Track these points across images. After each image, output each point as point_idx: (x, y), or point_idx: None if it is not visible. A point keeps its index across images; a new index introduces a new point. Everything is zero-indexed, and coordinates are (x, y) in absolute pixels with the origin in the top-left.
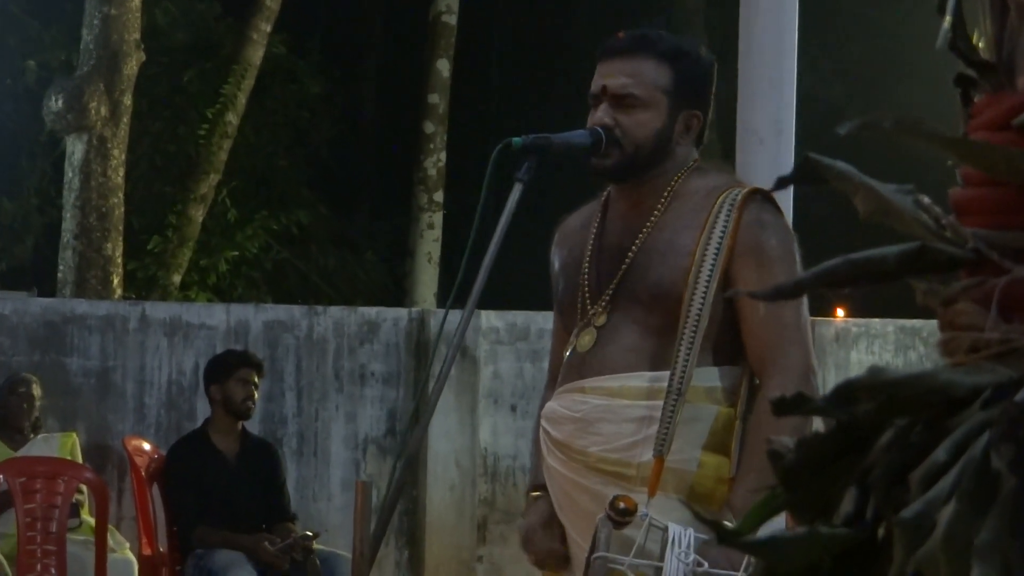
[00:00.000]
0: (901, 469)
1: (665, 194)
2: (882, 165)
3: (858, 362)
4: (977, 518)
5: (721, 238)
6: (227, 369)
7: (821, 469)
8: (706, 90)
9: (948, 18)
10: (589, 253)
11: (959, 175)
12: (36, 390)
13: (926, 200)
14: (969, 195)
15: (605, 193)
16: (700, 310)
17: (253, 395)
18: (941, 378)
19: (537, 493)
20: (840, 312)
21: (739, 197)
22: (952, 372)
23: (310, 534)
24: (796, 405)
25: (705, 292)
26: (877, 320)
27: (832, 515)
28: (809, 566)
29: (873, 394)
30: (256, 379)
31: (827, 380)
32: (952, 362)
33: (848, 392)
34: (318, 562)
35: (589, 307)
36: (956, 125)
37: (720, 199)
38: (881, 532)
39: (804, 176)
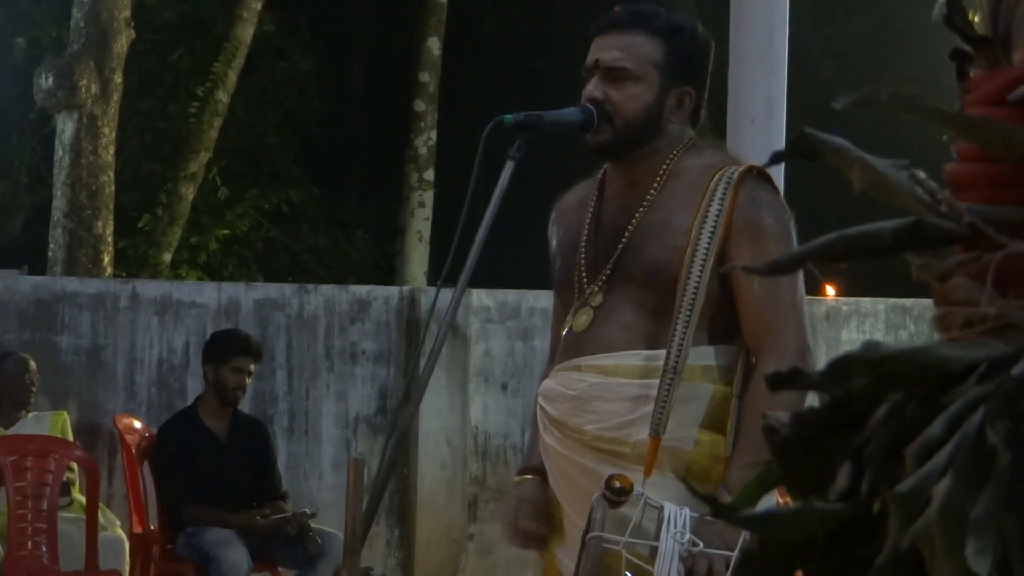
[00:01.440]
0: (896, 444)
1: (660, 173)
2: (875, 146)
3: (849, 340)
4: (972, 492)
5: (717, 216)
6: (224, 354)
7: (816, 444)
8: (700, 67)
9: None
10: (586, 232)
11: (954, 150)
12: (35, 370)
13: (922, 175)
14: (965, 170)
15: (602, 171)
16: (696, 289)
17: (244, 384)
18: (936, 353)
19: (522, 477)
20: (830, 290)
21: (735, 175)
22: (948, 347)
23: (308, 512)
24: (791, 380)
25: (701, 271)
26: (868, 299)
27: (827, 490)
28: (804, 540)
29: (868, 369)
30: (252, 367)
31: (818, 359)
32: (948, 337)
33: (843, 367)
34: (319, 539)
35: (586, 286)
36: (949, 103)
37: (716, 177)
38: (876, 507)
39: (800, 151)
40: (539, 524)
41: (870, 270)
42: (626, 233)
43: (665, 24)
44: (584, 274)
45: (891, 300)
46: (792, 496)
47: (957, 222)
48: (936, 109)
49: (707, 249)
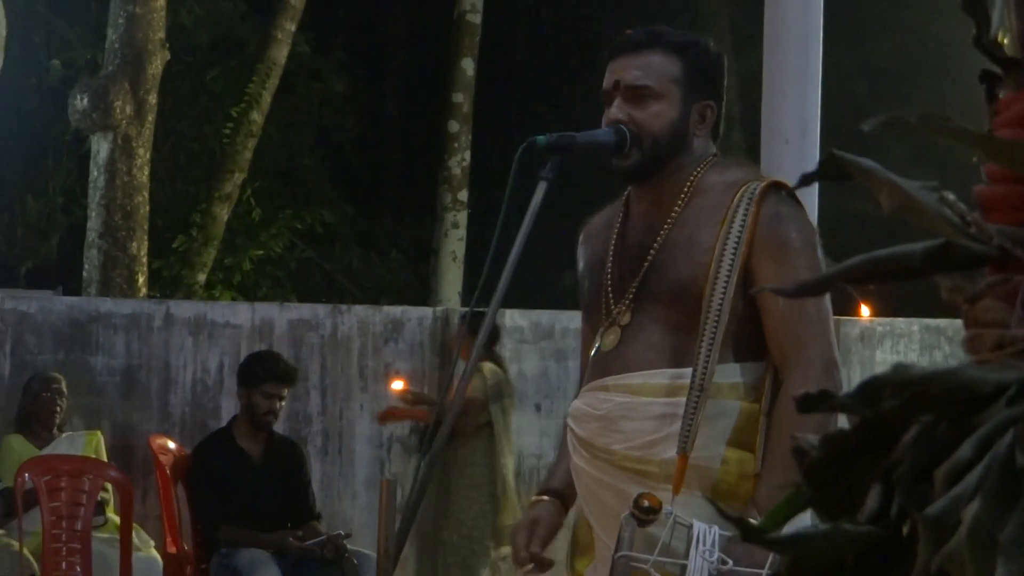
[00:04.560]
0: (926, 466)
1: (685, 190)
2: (911, 165)
3: (883, 361)
4: (1002, 515)
5: (740, 233)
6: (256, 379)
7: (845, 466)
8: (717, 80)
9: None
10: (612, 252)
11: (983, 172)
12: (64, 388)
13: (951, 197)
14: (994, 192)
15: (627, 191)
16: (720, 306)
17: (276, 409)
18: (966, 375)
19: (538, 498)
20: (865, 311)
21: (757, 191)
22: (977, 369)
23: (343, 533)
24: (820, 401)
25: (725, 288)
26: (902, 319)
27: (856, 512)
28: (833, 563)
29: (898, 391)
30: (284, 392)
31: (852, 379)
32: (977, 359)
33: (873, 389)
34: (355, 560)
35: (613, 306)
36: (982, 122)
37: (739, 193)
38: (906, 529)
39: (829, 172)
40: (544, 549)
41: (904, 291)
42: (651, 252)
43: (679, 41)
44: (611, 294)
45: (925, 321)
46: (821, 518)
47: (987, 244)
48: (965, 130)
49: (731, 265)
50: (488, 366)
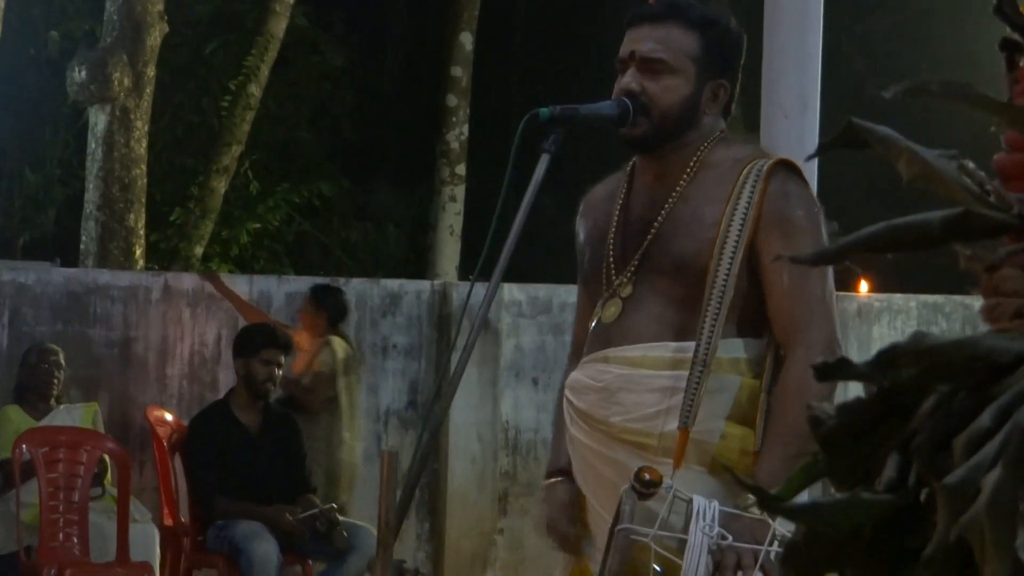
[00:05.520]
0: (944, 435)
1: (691, 165)
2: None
3: (880, 337)
4: (1022, 484)
5: (747, 209)
6: (253, 347)
7: (863, 435)
8: (734, 61)
9: None
10: (615, 224)
11: (1003, 140)
12: (61, 360)
13: (970, 165)
14: (1014, 160)
15: (631, 163)
16: (725, 281)
17: (275, 376)
18: (985, 344)
19: (553, 479)
20: (863, 287)
21: (765, 168)
22: (996, 338)
23: (334, 506)
24: (839, 370)
25: (731, 263)
26: (900, 295)
27: (873, 481)
28: (851, 532)
29: (916, 360)
30: (281, 358)
31: (849, 355)
32: (996, 328)
33: (891, 358)
34: (345, 533)
35: (614, 278)
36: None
37: (746, 170)
38: (924, 498)
39: (848, 141)
40: (575, 528)
41: (903, 266)
42: (655, 224)
43: (701, 17)
44: (613, 266)
45: (923, 297)
46: (838, 487)
47: (1006, 212)
48: (986, 98)
49: (736, 241)
50: (338, 340)
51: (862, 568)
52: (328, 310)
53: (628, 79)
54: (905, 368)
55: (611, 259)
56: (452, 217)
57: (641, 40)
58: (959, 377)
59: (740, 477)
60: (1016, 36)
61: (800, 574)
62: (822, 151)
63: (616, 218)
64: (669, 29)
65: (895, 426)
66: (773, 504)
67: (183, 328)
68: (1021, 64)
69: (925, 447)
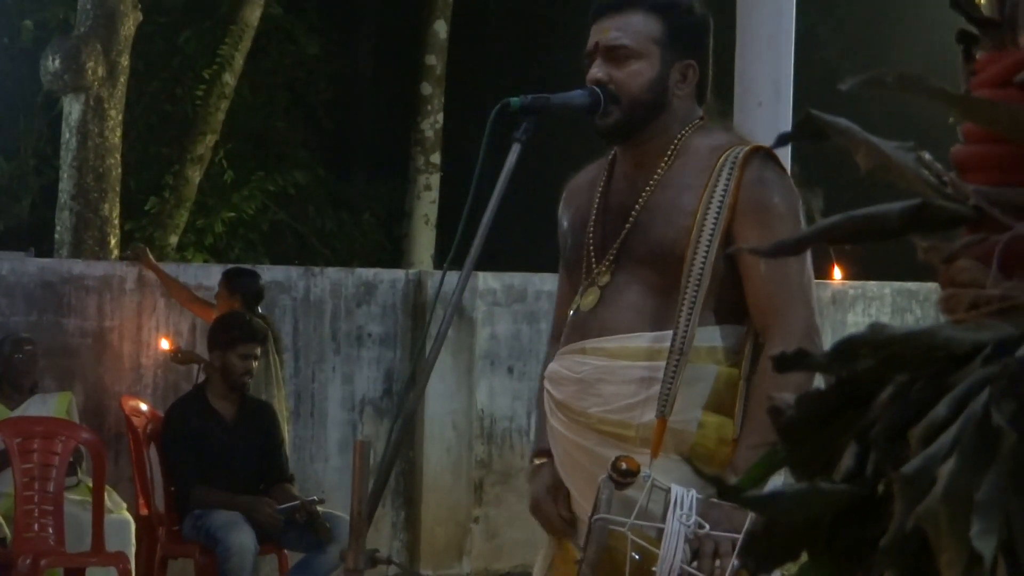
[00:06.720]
0: (902, 425)
1: (669, 152)
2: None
3: (855, 324)
4: (978, 474)
5: (723, 196)
6: (229, 341)
7: (821, 425)
8: (701, 40)
9: None
10: (595, 212)
11: (960, 132)
12: (35, 350)
13: (928, 156)
14: (971, 152)
15: (612, 151)
16: (702, 269)
17: (252, 369)
18: (942, 334)
19: (540, 460)
20: (837, 274)
21: (741, 155)
22: (953, 329)
23: (316, 499)
24: (797, 361)
25: (707, 251)
26: (874, 282)
27: (832, 471)
28: (810, 521)
29: (874, 351)
30: (258, 351)
31: (824, 342)
32: (953, 319)
33: (849, 348)
34: (327, 524)
35: (594, 266)
36: (955, 87)
37: (723, 157)
38: (881, 488)
39: (806, 133)
40: (566, 509)
41: (877, 253)
42: (633, 212)
43: (660, 1)
44: (592, 254)
45: (897, 284)
46: (797, 477)
47: (963, 204)
48: (942, 90)
49: (713, 229)
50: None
51: (821, 557)
52: (242, 292)
53: (595, 70)
54: (863, 359)
55: (591, 247)
56: (427, 206)
57: (604, 31)
58: (916, 367)
59: (699, 468)
60: (973, 28)
61: (760, 563)
62: (782, 143)
63: (596, 206)
64: (629, 16)
65: (853, 416)
66: (732, 494)
67: (158, 318)
68: (977, 56)
69: (882, 437)
